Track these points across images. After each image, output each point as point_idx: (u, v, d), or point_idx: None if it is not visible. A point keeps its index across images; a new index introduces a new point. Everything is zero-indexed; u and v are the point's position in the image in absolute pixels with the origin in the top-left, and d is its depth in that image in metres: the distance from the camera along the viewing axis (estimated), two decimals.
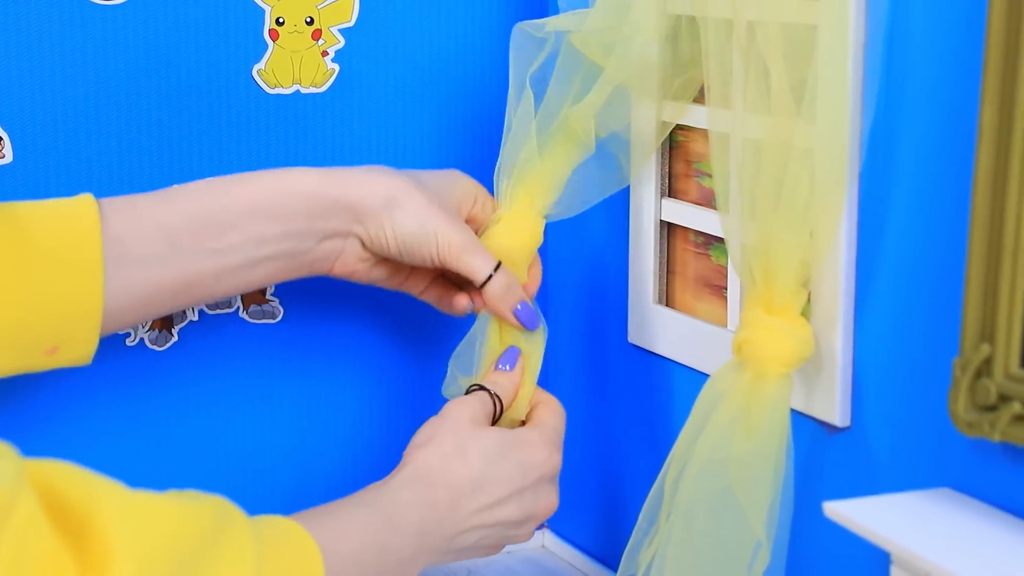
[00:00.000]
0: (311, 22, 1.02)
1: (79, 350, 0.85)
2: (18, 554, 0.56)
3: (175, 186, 0.92)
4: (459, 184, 0.96)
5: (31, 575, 0.56)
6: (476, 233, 0.96)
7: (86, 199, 0.86)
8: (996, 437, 0.69)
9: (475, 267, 0.92)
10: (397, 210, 0.91)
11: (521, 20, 0.96)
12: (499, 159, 0.96)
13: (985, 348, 0.69)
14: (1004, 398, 0.69)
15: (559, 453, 0.92)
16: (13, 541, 0.56)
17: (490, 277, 0.93)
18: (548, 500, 0.91)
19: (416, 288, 0.98)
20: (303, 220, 0.90)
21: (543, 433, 0.91)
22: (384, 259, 0.94)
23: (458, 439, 0.88)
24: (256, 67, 1.02)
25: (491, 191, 0.98)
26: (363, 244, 0.92)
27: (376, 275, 0.95)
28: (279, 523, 0.77)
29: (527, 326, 0.95)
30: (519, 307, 0.94)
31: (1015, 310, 0.68)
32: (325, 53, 1.03)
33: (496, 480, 0.88)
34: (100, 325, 0.85)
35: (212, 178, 0.92)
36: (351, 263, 0.93)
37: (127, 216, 0.87)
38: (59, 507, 0.59)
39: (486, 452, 0.88)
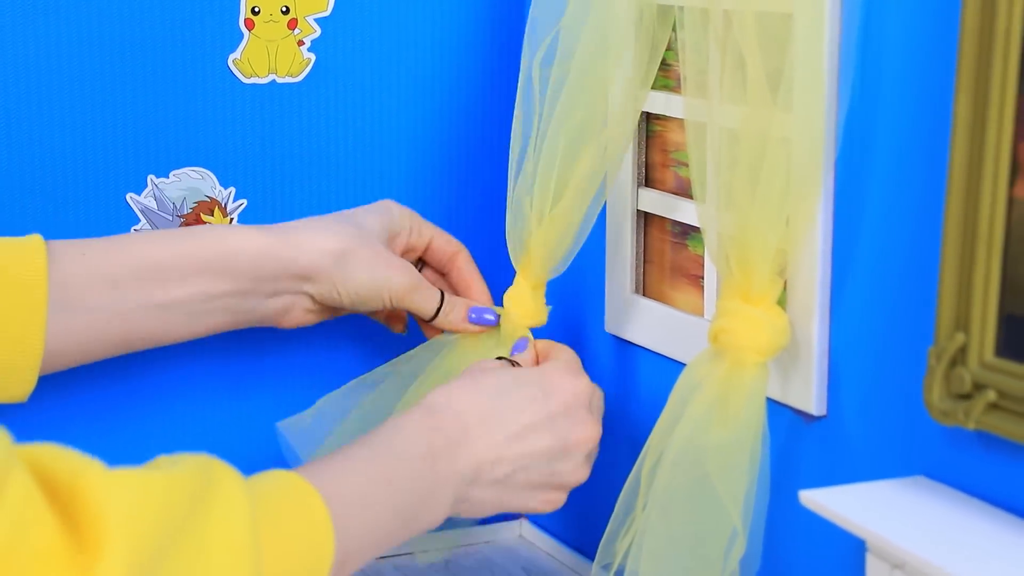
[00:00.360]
0: (287, 11, 1.02)
1: (15, 389, 0.86)
2: (15, 527, 0.56)
3: (126, 234, 0.93)
4: (394, 217, 0.98)
5: (29, 548, 0.56)
6: (415, 259, 0.99)
7: (34, 240, 0.86)
8: (971, 425, 0.69)
9: (422, 306, 0.96)
10: (347, 267, 0.93)
11: (496, 12, 0.95)
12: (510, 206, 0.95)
13: (960, 337, 0.70)
14: (979, 386, 0.69)
15: (584, 378, 0.89)
16: (10, 514, 0.55)
17: (438, 311, 0.96)
18: (586, 426, 0.88)
19: (365, 313, 1.00)
20: (250, 281, 0.92)
21: (558, 364, 0.90)
22: (333, 307, 0.97)
23: (470, 375, 0.88)
24: (232, 56, 1.01)
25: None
26: (313, 299, 0.95)
27: (328, 315, 0.98)
28: (273, 475, 0.74)
29: (489, 324, 0.97)
30: (472, 315, 0.97)
31: (989, 299, 0.68)
32: (301, 43, 1.03)
33: (514, 408, 0.86)
34: (39, 367, 0.86)
35: (164, 230, 0.94)
36: (300, 316, 0.96)
37: (75, 262, 0.87)
38: (48, 483, 0.59)
39: (499, 383, 0.87)
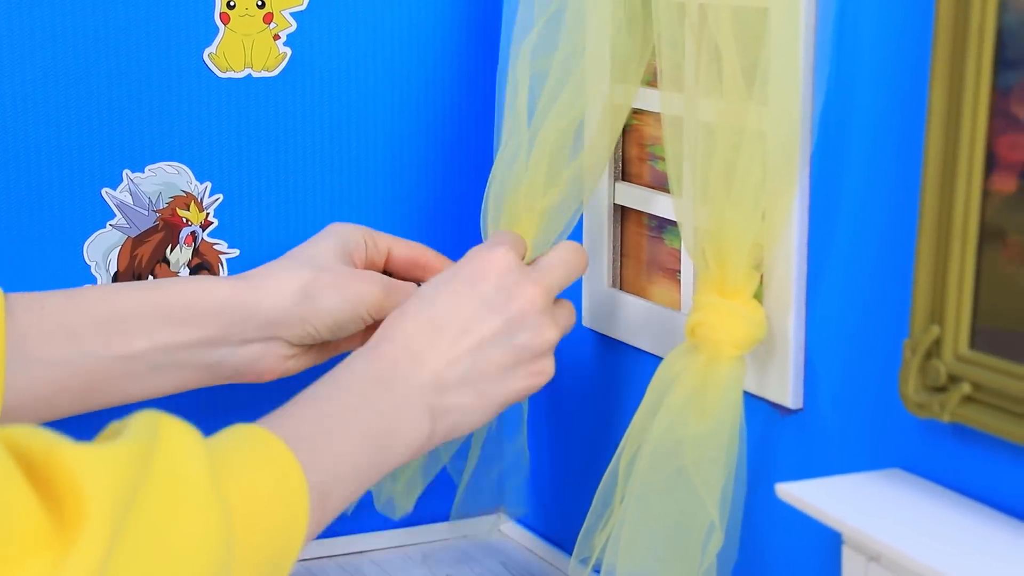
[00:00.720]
0: (262, 5, 1.02)
1: None
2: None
3: (86, 286, 0.91)
4: (344, 236, 0.94)
5: (13, 525, 0.55)
6: (377, 271, 0.95)
7: None
8: (946, 418, 0.69)
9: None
10: (314, 300, 0.89)
11: (472, 5, 0.95)
12: (490, 188, 0.93)
13: (935, 329, 0.70)
14: (953, 379, 0.69)
15: (499, 247, 0.86)
16: None
17: None
18: (524, 291, 0.84)
19: (351, 345, 0.95)
20: (215, 328, 0.88)
21: (470, 253, 0.87)
22: (312, 345, 0.92)
23: (397, 308, 0.86)
24: (207, 51, 1.01)
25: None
26: (289, 343, 0.91)
27: (309, 360, 0.93)
28: (228, 430, 0.72)
29: None
30: None
31: (964, 292, 0.69)
32: (277, 37, 1.03)
33: (446, 309, 0.83)
34: None
35: (124, 283, 0.92)
36: (277, 364, 0.91)
37: (33, 314, 0.85)
38: (25, 460, 0.58)
39: (422, 297, 0.84)
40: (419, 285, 0.96)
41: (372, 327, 0.92)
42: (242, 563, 0.66)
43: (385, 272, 0.97)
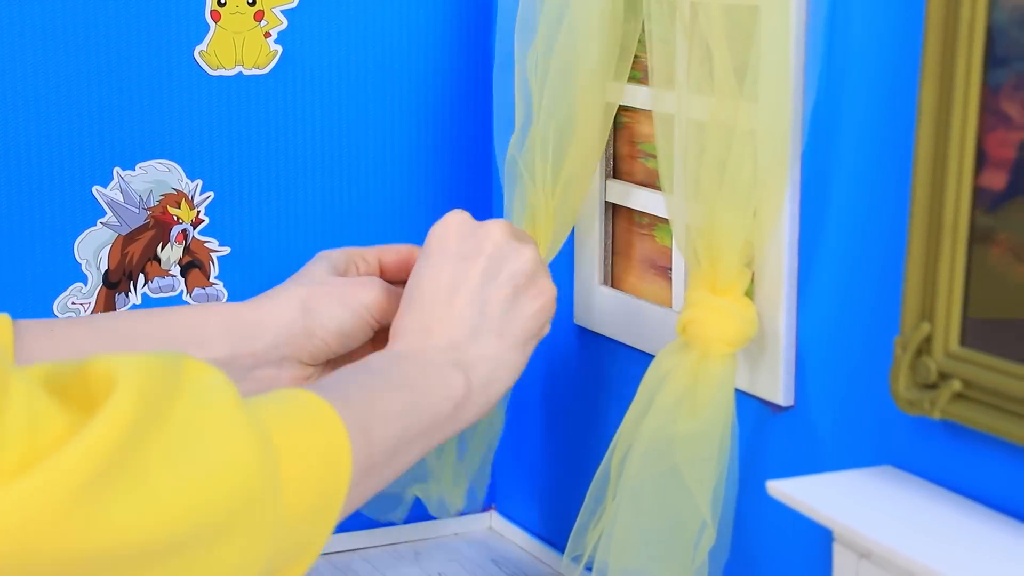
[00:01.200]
0: (253, 3, 1.02)
1: None
2: (28, 420, 0.54)
3: (94, 314, 0.91)
4: (333, 258, 0.94)
5: (43, 435, 0.55)
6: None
7: (1, 318, 0.83)
8: (936, 415, 0.69)
9: None
10: (315, 313, 0.89)
11: (463, 2, 0.95)
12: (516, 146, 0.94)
13: (925, 327, 0.70)
14: (944, 376, 0.69)
15: (452, 213, 0.87)
16: (19, 412, 0.54)
17: None
18: (518, 254, 0.86)
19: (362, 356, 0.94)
20: (222, 354, 0.88)
21: (425, 239, 0.88)
22: (327, 362, 0.92)
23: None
24: (198, 48, 1.01)
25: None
26: (302, 363, 0.90)
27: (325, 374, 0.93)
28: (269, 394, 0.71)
29: None
30: None
31: (954, 289, 0.69)
32: (268, 34, 1.02)
33: (426, 285, 0.85)
34: None
35: (131, 310, 0.92)
36: (295, 385, 0.90)
37: (42, 339, 0.85)
38: (55, 379, 0.58)
39: (407, 284, 0.86)
40: None
41: (380, 336, 0.93)
42: (290, 492, 0.65)
43: None
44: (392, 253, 0.97)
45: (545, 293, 0.86)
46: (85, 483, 0.55)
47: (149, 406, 0.58)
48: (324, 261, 0.94)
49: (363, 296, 0.90)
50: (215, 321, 0.89)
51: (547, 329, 0.87)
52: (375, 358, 0.82)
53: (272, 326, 0.89)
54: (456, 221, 0.87)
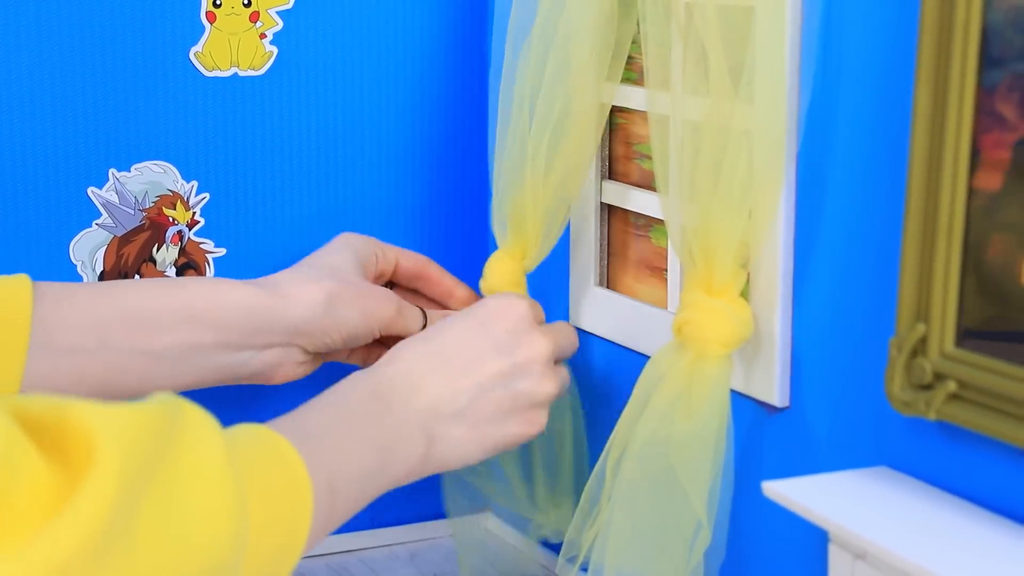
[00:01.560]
0: (248, 4, 1.02)
1: None
2: (6, 470, 0.55)
3: (115, 281, 0.92)
4: (359, 249, 0.98)
5: (19, 485, 0.55)
6: (385, 283, 1.00)
7: (22, 280, 0.85)
8: (932, 416, 0.69)
9: (409, 327, 0.96)
10: (336, 312, 0.93)
11: (460, 2, 0.95)
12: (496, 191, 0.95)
13: (920, 327, 0.70)
14: (939, 377, 0.69)
15: (522, 300, 0.88)
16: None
17: (424, 326, 0.97)
18: (532, 340, 0.86)
19: (353, 356, 0.99)
20: (240, 334, 0.91)
21: (490, 296, 0.89)
22: (321, 353, 0.96)
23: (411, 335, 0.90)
24: (193, 50, 1.01)
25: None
26: (304, 351, 0.94)
27: (315, 366, 0.97)
28: (238, 428, 0.73)
29: None
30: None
31: (950, 290, 0.69)
32: (263, 35, 1.02)
33: (456, 344, 0.85)
34: None
35: (153, 279, 0.94)
36: (291, 369, 0.95)
37: (62, 304, 0.86)
38: (34, 423, 0.58)
39: (436, 330, 0.87)
40: (421, 305, 0.99)
41: (377, 342, 0.97)
42: (253, 546, 0.67)
43: (390, 282, 1.02)
44: (409, 259, 1.01)
45: (536, 425, 0.87)
46: (66, 568, 0.55)
47: (131, 481, 0.58)
48: (351, 253, 0.97)
49: (379, 309, 0.94)
50: (238, 303, 0.91)
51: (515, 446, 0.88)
52: (362, 387, 0.82)
53: (295, 316, 0.92)
54: (519, 311, 0.87)
